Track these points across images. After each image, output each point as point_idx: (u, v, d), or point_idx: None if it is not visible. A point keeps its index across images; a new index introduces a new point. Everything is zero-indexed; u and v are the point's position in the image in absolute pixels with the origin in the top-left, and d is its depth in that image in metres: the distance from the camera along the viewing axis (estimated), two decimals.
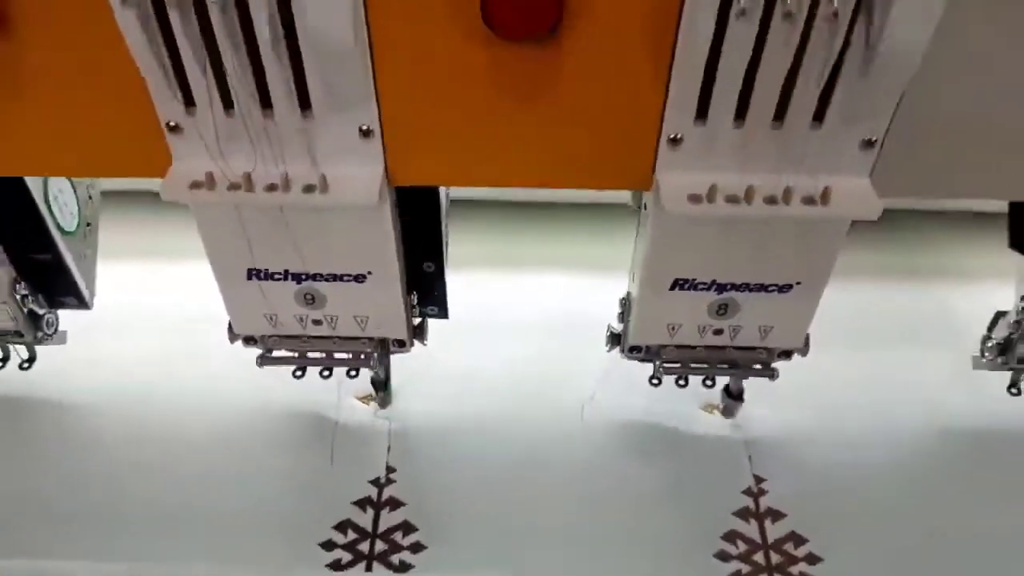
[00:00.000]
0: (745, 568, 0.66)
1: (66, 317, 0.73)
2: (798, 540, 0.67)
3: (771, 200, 0.51)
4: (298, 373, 0.72)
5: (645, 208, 0.59)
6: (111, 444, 0.74)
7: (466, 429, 0.74)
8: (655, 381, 0.70)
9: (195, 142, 0.51)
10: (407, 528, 0.69)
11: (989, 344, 0.70)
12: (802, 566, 0.65)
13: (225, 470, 0.72)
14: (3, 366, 0.74)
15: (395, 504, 0.70)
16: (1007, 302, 0.69)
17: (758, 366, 0.68)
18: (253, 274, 0.61)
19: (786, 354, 0.68)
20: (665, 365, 0.69)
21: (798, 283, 0.60)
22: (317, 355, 0.70)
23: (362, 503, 0.71)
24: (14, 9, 0.46)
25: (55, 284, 0.70)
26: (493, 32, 0.44)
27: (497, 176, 0.54)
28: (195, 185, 0.52)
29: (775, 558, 0.66)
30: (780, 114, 0.49)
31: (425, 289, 0.68)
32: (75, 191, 0.69)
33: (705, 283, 0.61)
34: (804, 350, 0.67)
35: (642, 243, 0.60)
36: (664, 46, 0.46)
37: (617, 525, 0.68)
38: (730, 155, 0.51)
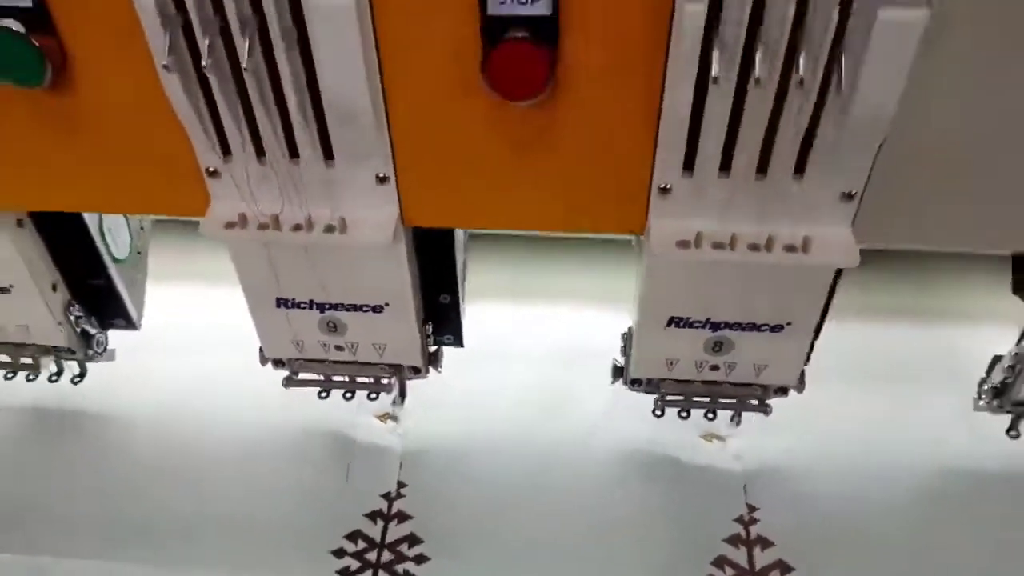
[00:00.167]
0: None
1: (114, 336, 0.80)
2: (784, 568, 0.70)
3: (754, 247, 0.55)
4: (323, 394, 0.77)
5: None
6: (147, 454, 0.80)
7: (475, 450, 0.78)
8: (658, 412, 0.74)
9: (231, 186, 0.57)
10: (413, 540, 0.74)
11: (985, 387, 0.72)
12: None
13: (249, 482, 0.78)
14: (57, 379, 0.81)
15: (403, 517, 0.75)
16: (1010, 345, 0.71)
17: (754, 401, 0.71)
18: (281, 303, 0.66)
19: (782, 391, 0.71)
20: (666, 397, 0.73)
21: (789, 323, 0.64)
22: (340, 378, 0.76)
23: (373, 515, 0.76)
24: (76, 68, 0.53)
25: (106, 307, 0.76)
26: (494, 93, 0.49)
27: (502, 220, 0.59)
28: (229, 225, 0.58)
29: None
30: (763, 167, 0.53)
31: (441, 319, 0.72)
32: (128, 223, 0.76)
33: (699, 321, 0.64)
34: (800, 387, 0.70)
35: (639, 281, 0.64)
36: (651, 106, 0.50)
37: (613, 546, 0.72)
38: (716, 204, 0.55)
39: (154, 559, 0.73)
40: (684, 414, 0.75)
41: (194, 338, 0.88)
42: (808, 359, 0.69)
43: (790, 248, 0.55)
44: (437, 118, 0.53)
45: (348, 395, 0.77)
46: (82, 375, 0.81)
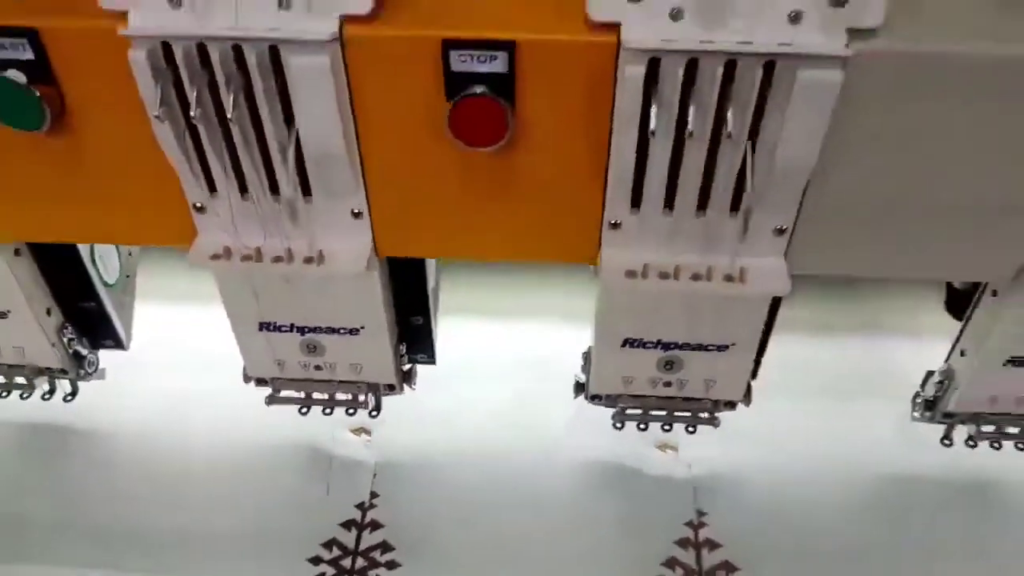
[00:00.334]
0: None
1: (103, 355, 0.84)
2: (730, 568, 0.75)
3: (696, 277, 0.60)
4: (303, 411, 0.81)
5: None
6: (134, 468, 0.85)
7: (444, 462, 0.84)
8: (617, 425, 0.79)
9: (216, 220, 0.62)
10: (385, 547, 0.79)
11: (918, 400, 0.78)
12: None
13: (231, 493, 0.83)
14: (50, 398, 0.84)
15: (376, 526, 0.80)
16: (942, 358, 0.76)
17: (704, 414, 0.77)
18: (263, 326, 0.71)
19: (730, 404, 0.76)
20: (625, 412, 0.78)
21: (733, 344, 0.69)
22: (320, 396, 0.80)
23: (347, 524, 0.81)
24: (74, 113, 0.57)
25: (97, 329, 0.80)
26: (458, 141, 0.54)
27: (468, 251, 0.64)
28: (215, 256, 0.62)
29: None
30: (702, 205, 0.58)
31: (414, 339, 0.77)
32: (117, 250, 0.80)
33: (651, 342, 0.70)
34: (746, 400, 0.75)
35: (596, 305, 0.69)
36: (600, 152, 0.56)
37: (572, 548, 0.77)
38: (661, 238, 0.60)
39: (141, 567, 0.77)
40: (642, 426, 0.80)
41: (178, 357, 0.93)
42: (755, 375, 0.74)
43: (729, 278, 0.60)
44: (406, 160, 0.57)
45: (327, 411, 0.82)
46: (73, 393, 0.85)
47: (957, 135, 0.53)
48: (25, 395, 0.83)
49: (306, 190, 0.60)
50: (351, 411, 0.82)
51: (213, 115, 0.55)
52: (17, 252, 0.71)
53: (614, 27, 0.50)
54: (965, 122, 0.53)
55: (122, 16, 0.52)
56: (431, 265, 0.74)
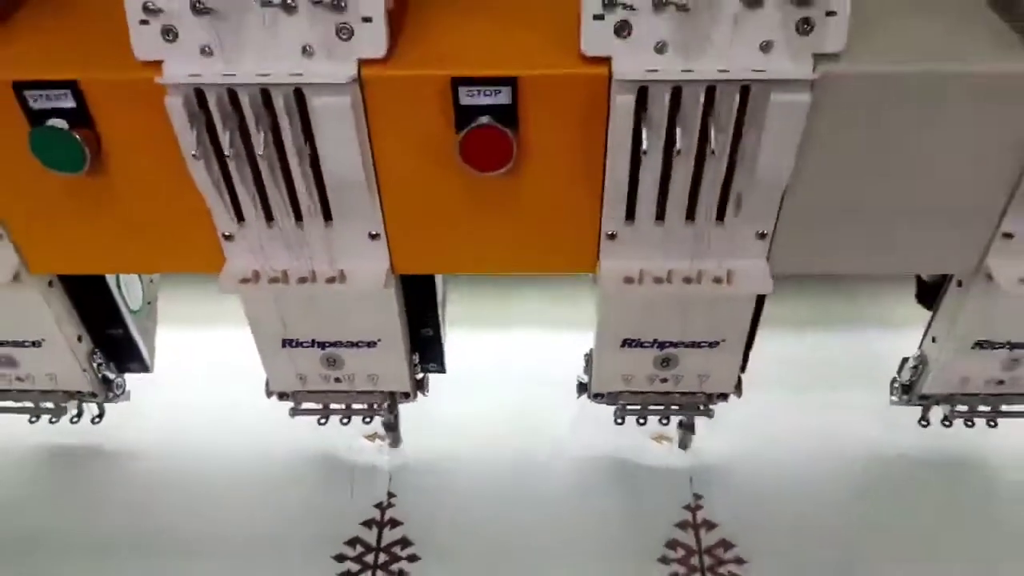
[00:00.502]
0: (682, 570, 0.81)
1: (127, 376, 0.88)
2: (727, 546, 0.82)
3: (687, 280, 0.66)
4: (322, 421, 0.86)
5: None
6: (163, 480, 0.90)
7: (456, 461, 0.90)
8: (619, 421, 0.85)
9: (244, 247, 0.67)
10: (404, 543, 0.84)
11: (896, 385, 0.84)
12: (730, 567, 0.80)
13: (257, 502, 0.88)
14: (78, 421, 0.89)
15: (395, 523, 0.86)
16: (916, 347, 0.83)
17: (699, 407, 0.82)
18: (286, 343, 0.76)
19: (723, 396, 0.82)
20: (626, 408, 0.84)
21: (723, 340, 0.75)
22: (338, 406, 0.85)
23: (368, 523, 0.87)
24: (110, 154, 0.62)
25: (123, 353, 0.84)
26: (468, 167, 0.60)
27: (477, 265, 0.69)
28: (244, 280, 0.67)
29: (707, 561, 0.81)
30: (691, 215, 0.64)
31: (425, 350, 0.82)
32: (140, 278, 0.85)
33: (648, 342, 0.75)
34: (738, 392, 0.81)
35: (597, 310, 0.75)
36: (596, 171, 0.61)
37: (581, 534, 0.83)
38: (655, 246, 0.66)
39: (170, 567, 0.82)
40: (641, 421, 0.85)
41: (198, 376, 0.97)
42: (744, 368, 0.80)
43: (717, 280, 0.66)
44: (419, 185, 0.63)
45: (345, 421, 0.87)
46: (101, 415, 0.89)
47: (914, 143, 0.59)
48: (54, 419, 0.87)
49: (327, 215, 0.65)
50: (367, 419, 0.87)
51: (243, 152, 0.60)
52: (50, 284, 0.75)
53: (605, 60, 0.56)
54: (920, 131, 0.59)
55: (156, 65, 0.57)
56: (439, 279, 0.79)
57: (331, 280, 0.67)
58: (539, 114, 0.58)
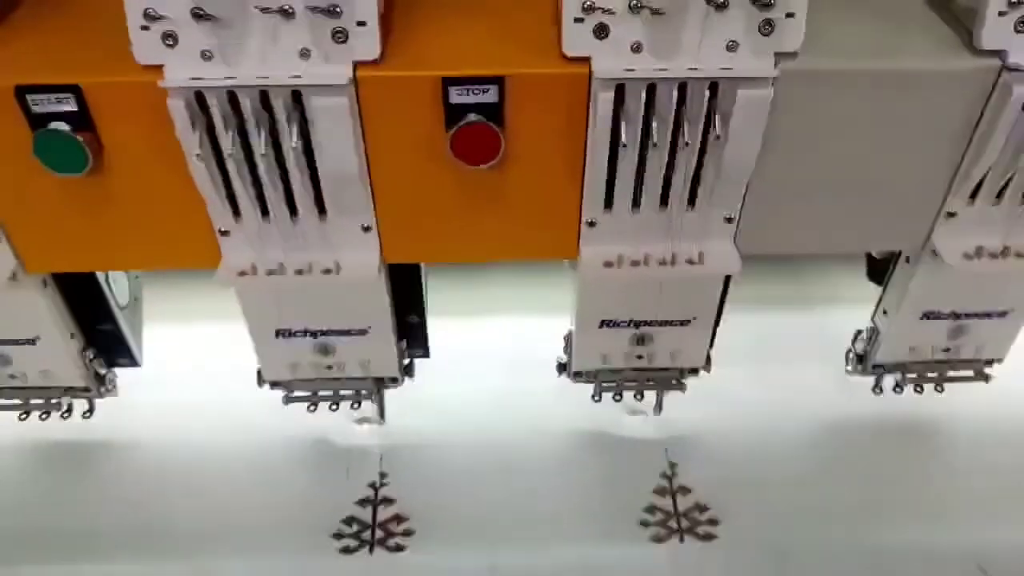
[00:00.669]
0: (662, 531, 0.87)
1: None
2: (702, 508, 0.88)
3: (663, 263, 0.71)
4: (311, 408, 0.89)
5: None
6: (159, 470, 0.92)
7: (443, 440, 0.94)
8: (596, 398, 0.89)
9: (240, 242, 0.69)
10: (399, 519, 0.88)
11: (850, 356, 0.91)
12: (706, 527, 0.87)
13: (252, 488, 0.91)
14: (68, 416, 0.90)
15: (388, 501, 0.90)
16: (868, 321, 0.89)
17: (673, 381, 0.88)
18: (280, 333, 0.79)
19: (694, 371, 0.87)
20: (603, 385, 0.89)
21: (694, 318, 0.80)
22: (326, 393, 0.89)
23: (362, 502, 0.90)
24: (111, 155, 0.64)
25: (114, 348, 0.86)
26: (458, 161, 0.63)
27: (464, 254, 0.73)
28: (242, 273, 0.70)
29: (684, 523, 0.87)
30: (664, 202, 0.69)
31: (411, 336, 0.86)
32: (126, 274, 0.87)
33: (624, 322, 0.80)
34: (707, 367, 0.87)
35: (575, 294, 0.79)
36: (577, 163, 0.66)
37: (566, 504, 0.89)
38: (631, 232, 0.70)
39: (175, 556, 0.85)
40: (617, 397, 0.90)
41: (186, 369, 0.99)
42: (712, 344, 0.85)
43: (689, 261, 0.71)
44: (410, 179, 0.66)
45: (333, 407, 0.90)
46: (91, 410, 0.91)
47: (865, 133, 0.65)
48: (44, 416, 0.89)
49: (321, 210, 0.68)
50: (356, 405, 0.91)
51: (242, 151, 0.62)
52: (44, 283, 0.77)
53: (585, 60, 0.60)
54: (870, 122, 0.64)
55: (156, 68, 0.60)
56: (423, 269, 0.83)
57: (326, 271, 0.70)
58: (524, 111, 0.62)
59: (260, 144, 0.61)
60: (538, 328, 0.91)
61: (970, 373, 0.89)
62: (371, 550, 0.86)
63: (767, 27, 0.59)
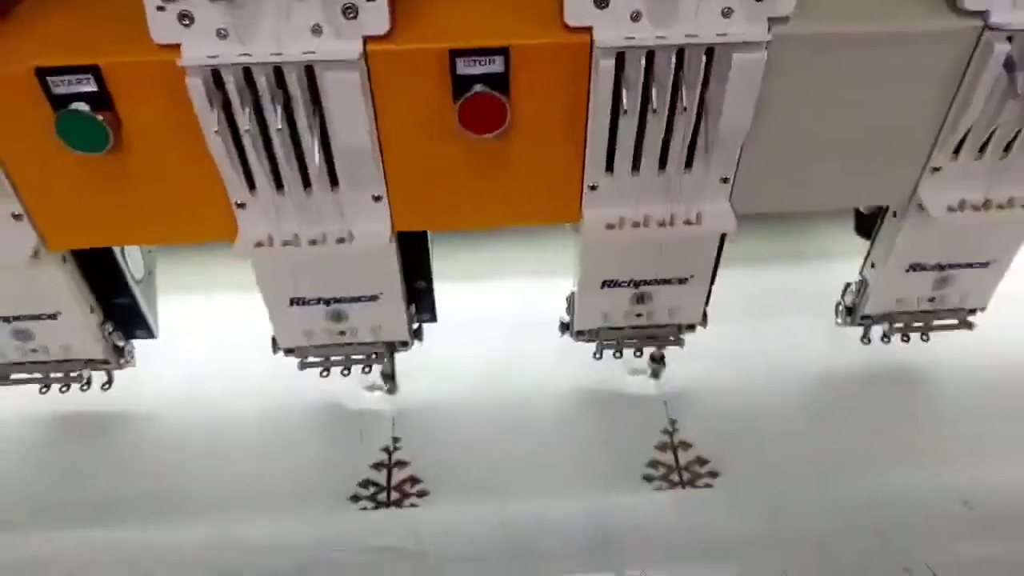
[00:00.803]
0: (665, 485, 0.91)
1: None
2: (702, 462, 0.93)
3: (662, 223, 0.74)
4: (324, 373, 0.93)
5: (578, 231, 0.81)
6: (180, 438, 0.96)
7: (452, 402, 0.98)
8: (597, 356, 0.93)
9: (256, 214, 0.72)
10: (413, 480, 0.92)
11: (840, 308, 0.94)
12: (706, 479, 0.92)
13: (272, 452, 0.95)
14: (88, 388, 0.93)
15: (402, 464, 0.94)
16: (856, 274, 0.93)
17: (671, 337, 0.91)
18: (294, 302, 0.82)
19: (691, 327, 0.91)
20: (604, 343, 0.92)
21: (691, 276, 0.84)
22: (338, 358, 0.92)
23: (377, 465, 0.94)
24: (130, 134, 0.66)
25: (130, 321, 0.89)
26: (465, 130, 0.66)
27: (472, 221, 0.76)
28: (258, 244, 0.73)
29: (686, 476, 0.92)
30: (663, 165, 0.72)
31: (419, 301, 0.89)
32: (140, 249, 0.89)
33: (625, 281, 0.83)
34: (704, 323, 0.90)
35: (578, 256, 0.83)
36: (579, 129, 0.68)
37: (572, 461, 0.93)
38: (632, 195, 0.73)
39: (198, 519, 0.89)
40: (618, 354, 0.94)
41: (200, 339, 1.02)
42: (708, 301, 0.89)
43: (687, 222, 0.74)
44: (420, 149, 0.69)
45: (345, 372, 0.93)
46: (110, 382, 0.94)
47: (854, 93, 0.68)
48: (64, 388, 0.92)
49: (334, 181, 0.70)
50: (366, 369, 0.94)
51: (257, 126, 0.65)
52: (64, 259, 0.79)
53: (587, 30, 0.62)
54: (859, 83, 0.67)
55: (172, 47, 0.62)
56: (429, 236, 0.86)
57: (340, 240, 0.73)
58: (529, 80, 0.64)
59: (276, 120, 0.63)
60: (540, 290, 0.95)
61: (955, 322, 0.93)
62: (388, 509, 0.90)
63: None
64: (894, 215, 0.82)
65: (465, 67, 0.63)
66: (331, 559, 0.85)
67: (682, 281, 0.84)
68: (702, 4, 0.61)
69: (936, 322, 0.93)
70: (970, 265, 0.86)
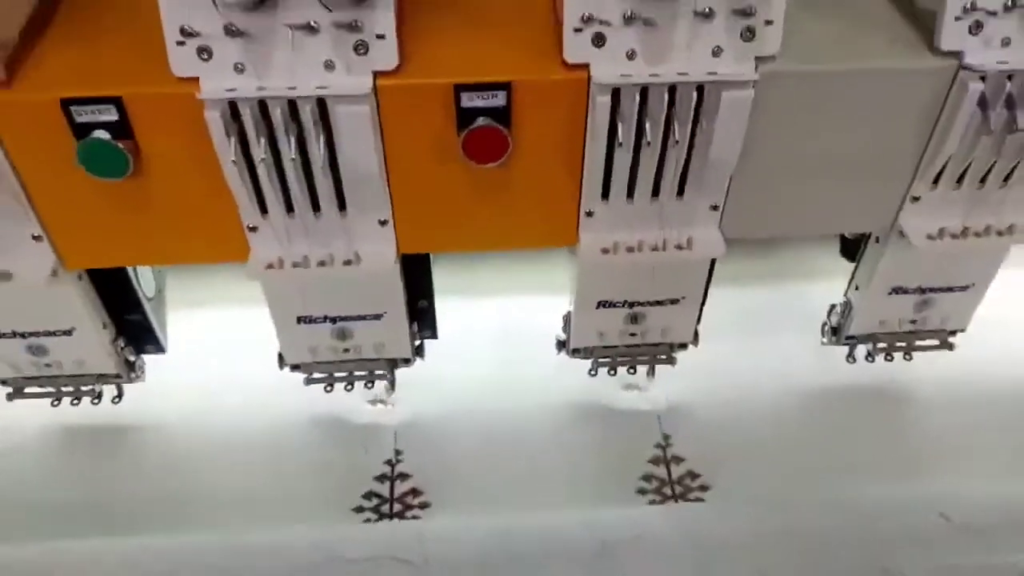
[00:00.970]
0: (657, 498, 0.95)
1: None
2: (694, 475, 0.96)
3: (654, 248, 0.78)
4: (328, 389, 0.96)
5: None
6: (187, 450, 0.98)
7: (452, 416, 1.01)
8: (592, 373, 0.96)
9: (268, 237, 0.75)
10: (415, 492, 0.95)
11: (826, 328, 0.98)
12: (697, 492, 0.95)
13: (278, 464, 0.98)
14: (99, 402, 0.96)
15: (404, 476, 0.97)
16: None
17: (663, 356, 0.95)
18: (301, 320, 0.85)
19: (683, 346, 0.94)
20: (599, 360, 0.96)
21: (683, 297, 0.87)
22: (341, 374, 0.95)
23: (380, 477, 0.97)
24: (149, 160, 0.69)
25: (141, 337, 0.92)
26: (469, 160, 0.69)
27: (473, 244, 0.79)
28: (269, 266, 0.76)
29: (678, 489, 0.95)
30: (656, 193, 0.75)
31: (421, 319, 0.92)
32: (151, 267, 0.92)
33: (619, 302, 0.87)
34: (695, 341, 0.94)
35: (575, 277, 0.86)
36: (576, 159, 0.72)
37: (569, 473, 0.96)
38: (626, 221, 0.77)
39: (206, 529, 0.92)
40: (612, 372, 0.97)
41: (209, 354, 1.05)
42: (699, 320, 0.92)
43: (679, 247, 0.78)
44: (424, 176, 0.72)
45: (348, 387, 0.96)
46: (120, 395, 0.97)
47: (837, 126, 0.71)
48: (76, 402, 0.95)
49: (342, 206, 0.74)
50: (369, 385, 0.97)
51: (271, 155, 0.68)
52: (80, 277, 0.82)
53: (585, 67, 0.66)
54: (841, 117, 0.71)
55: (192, 81, 0.65)
56: (431, 257, 0.89)
57: (347, 263, 0.76)
58: (530, 113, 0.68)
59: (290, 150, 0.66)
60: (536, 307, 0.98)
61: (936, 342, 0.97)
62: (390, 520, 0.93)
63: (748, 34, 0.65)
64: (876, 240, 0.86)
65: (469, 101, 0.67)
66: (334, 568, 0.88)
67: (674, 302, 0.87)
68: (693, 44, 0.65)
69: (918, 343, 0.96)
70: (950, 289, 0.89)
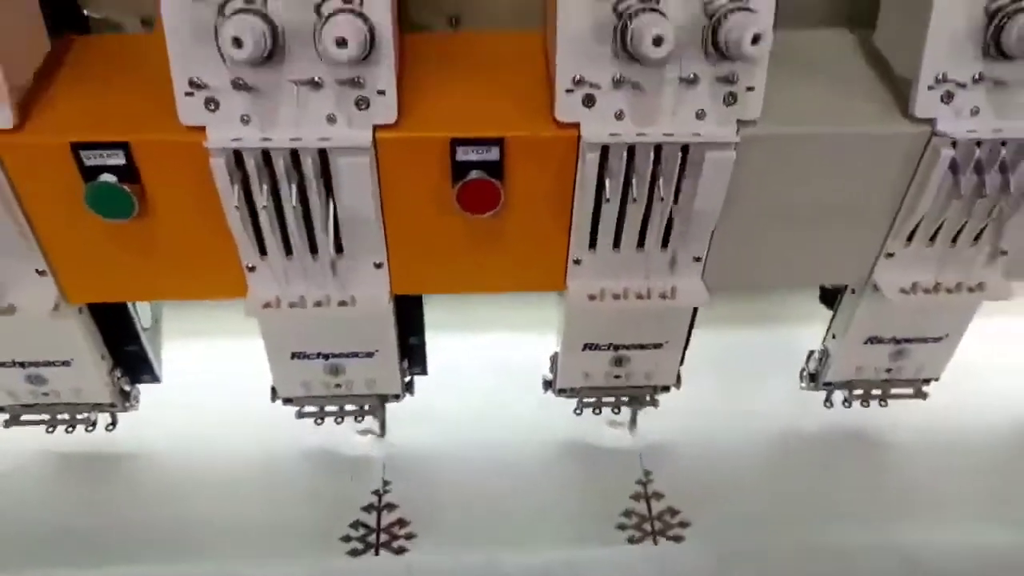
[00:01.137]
0: (637, 534, 0.97)
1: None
2: (673, 512, 0.99)
3: (639, 296, 0.81)
4: (319, 422, 0.98)
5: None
6: (176, 479, 1.00)
7: (440, 450, 1.03)
8: (577, 412, 0.99)
9: (266, 276, 0.78)
10: (402, 523, 0.97)
11: (804, 373, 1.01)
12: (676, 529, 0.97)
13: (267, 493, 0.99)
14: (93, 429, 0.97)
15: (391, 507, 0.99)
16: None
17: (647, 398, 0.98)
18: (295, 356, 0.87)
19: (666, 388, 0.97)
20: (584, 401, 0.98)
21: (666, 342, 0.90)
22: (332, 408, 0.97)
23: (367, 508, 0.99)
24: (154, 202, 0.72)
25: (137, 367, 0.94)
26: (463, 210, 0.72)
27: (465, 287, 0.82)
28: (266, 305, 0.78)
29: (658, 525, 0.97)
30: (641, 244, 0.78)
31: (412, 356, 0.95)
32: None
33: (605, 345, 0.90)
34: (678, 384, 0.97)
35: (562, 321, 0.89)
36: (565, 210, 0.75)
37: (551, 507, 0.98)
38: (612, 269, 0.80)
39: (194, 557, 0.93)
40: (597, 411, 1.00)
41: (201, 384, 1.07)
42: (682, 362, 0.95)
43: (663, 295, 0.81)
44: (419, 223, 0.75)
45: (339, 420, 0.98)
46: (114, 423, 0.98)
47: (815, 185, 0.75)
48: (70, 429, 0.96)
49: (339, 249, 0.76)
50: (359, 419, 0.99)
51: (272, 202, 0.71)
52: (80, 310, 0.84)
53: (575, 125, 0.69)
54: (819, 176, 0.74)
55: (198, 129, 0.68)
56: (423, 297, 0.92)
57: (342, 303, 0.79)
58: (521, 167, 0.71)
59: (291, 197, 0.69)
60: (524, 345, 1.01)
61: (910, 391, 1.00)
62: (376, 552, 0.94)
63: (731, 99, 0.68)
64: (853, 292, 0.89)
65: (464, 154, 0.70)
66: None
67: (657, 346, 0.90)
68: (678, 107, 0.68)
69: (893, 390, 0.99)
70: (924, 340, 0.92)
